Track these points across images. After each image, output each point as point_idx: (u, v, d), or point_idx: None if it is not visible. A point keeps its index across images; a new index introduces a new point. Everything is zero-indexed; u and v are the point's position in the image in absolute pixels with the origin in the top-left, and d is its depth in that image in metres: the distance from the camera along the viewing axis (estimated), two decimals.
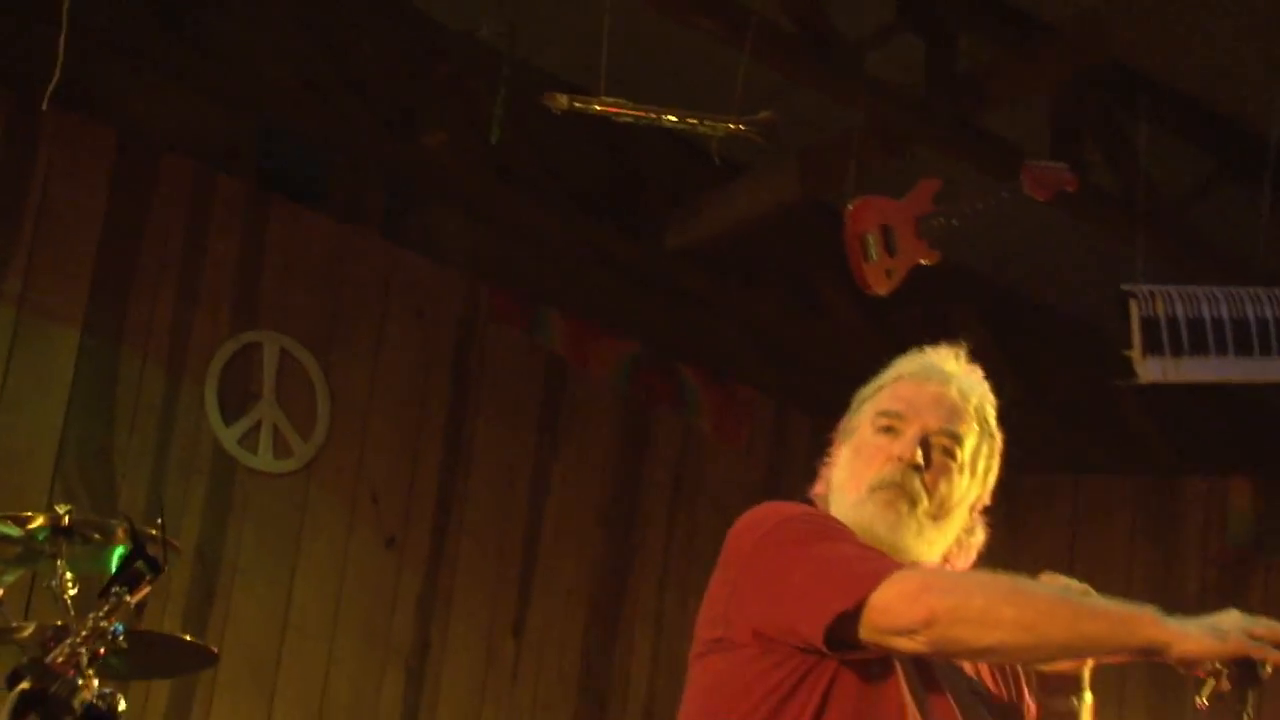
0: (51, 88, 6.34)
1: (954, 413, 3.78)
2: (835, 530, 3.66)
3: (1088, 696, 3.79)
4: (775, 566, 3.59)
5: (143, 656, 5.81)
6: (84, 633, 3.80)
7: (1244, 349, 7.04)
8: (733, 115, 6.64)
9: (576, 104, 6.59)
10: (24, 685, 3.64)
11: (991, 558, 3.91)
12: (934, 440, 3.71)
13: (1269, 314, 7.07)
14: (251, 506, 7.77)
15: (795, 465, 8.77)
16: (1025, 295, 9.13)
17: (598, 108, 6.61)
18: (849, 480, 3.74)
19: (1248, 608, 9.06)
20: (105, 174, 7.61)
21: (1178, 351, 6.95)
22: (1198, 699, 3.32)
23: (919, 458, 3.67)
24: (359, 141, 8.12)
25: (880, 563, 3.48)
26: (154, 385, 7.64)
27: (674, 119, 6.73)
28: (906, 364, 3.90)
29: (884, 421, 3.75)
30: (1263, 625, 3.31)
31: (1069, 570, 3.85)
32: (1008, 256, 8.53)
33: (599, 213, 8.35)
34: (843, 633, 3.38)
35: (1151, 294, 7.00)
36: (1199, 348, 7.00)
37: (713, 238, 8.25)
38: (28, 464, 7.34)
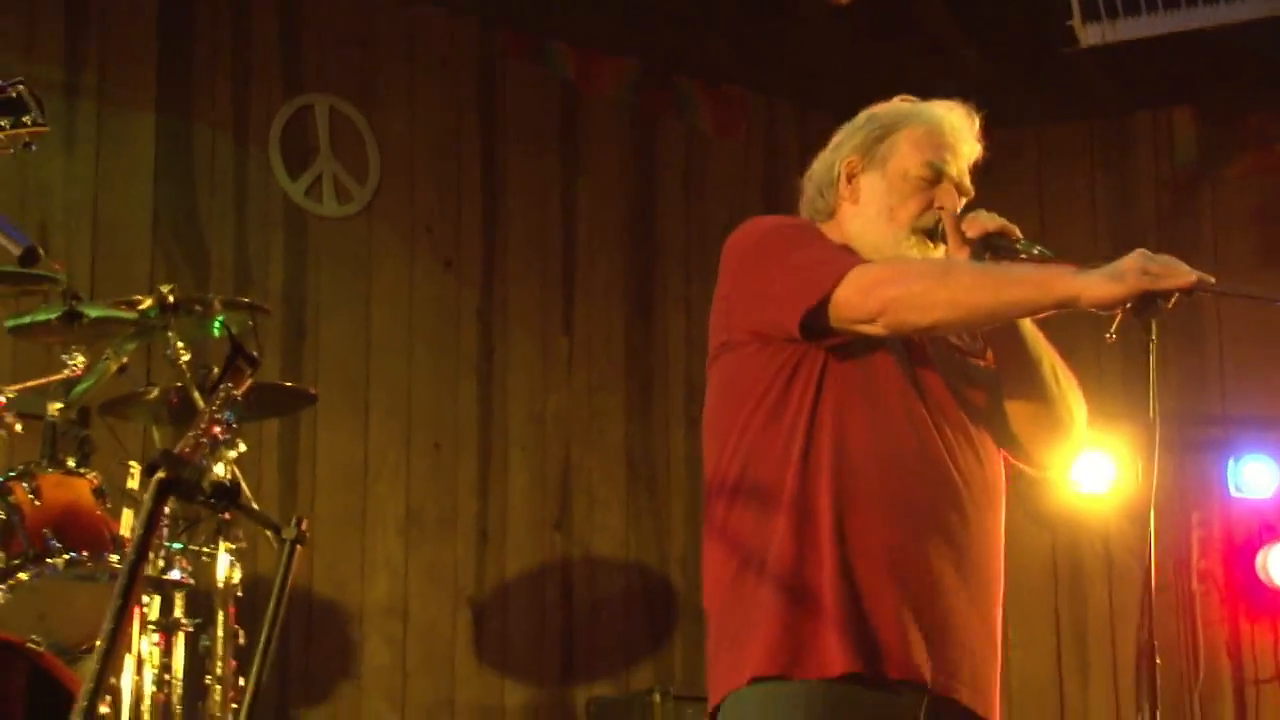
0: None
1: (968, 169, 3.97)
2: (807, 237, 3.90)
3: None
4: (760, 273, 3.84)
5: (254, 408, 5.98)
6: (202, 425, 4.06)
7: (1172, 3, 7.17)
8: None
9: None
10: (160, 474, 3.91)
11: (970, 209, 4.23)
12: (965, 194, 3.93)
13: None
14: (324, 249, 7.99)
15: (787, 153, 8.92)
16: None
17: None
18: (885, 213, 3.90)
19: (1199, 220, 9.47)
20: None
21: (1113, 15, 7.15)
22: (1108, 335, 3.56)
23: (959, 208, 3.90)
24: None
25: (841, 263, 3.71)
26: (225, 153, 7.79)
27: None
28: (934, 113, 3.99)
29: (928, 172, 3.88)
30: (1158, 262, 3.49)
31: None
32: None
33: None
34: (816, 324, 3.66)
35: None
36: (1132, 9, 7.16)
37: None
38: (129, 236, 7.51)
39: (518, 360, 8.44)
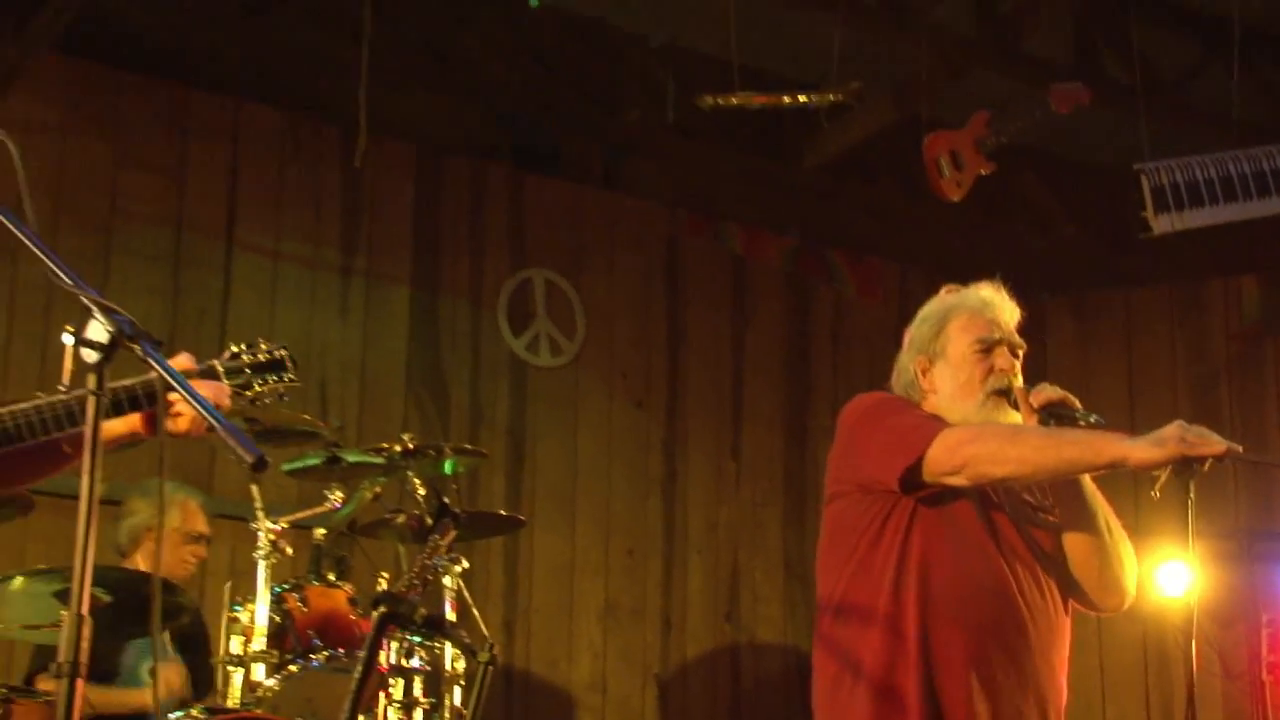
0: (361, 147, 6.71)
1: (1014, 329, 3.96)
2: (903, 407, 3.90)
3: None
4: (865, 437, 3.85)
5: (479, 529, 6.25)
6: (416, 570, 4.13)
7: (1230, 197, 7.08)
8: (832, 89, 6.85)
9: (719, 100, 6.86)
10: (382, 609, 3.82)
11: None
12: (1018, 353, 3.92)
13: (1247, 169, 7.06)
14: (540, 393, 8.07)
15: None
16: (1073, 159, 8.91)
17: (734, 100, 6.87)
18: (959, 390, 3.87)
19: (1263, 369, 9.27)
20: (409, 178, 7.90)
21: (1180, 207, 7.02)
22: (1153, 492, 3.55)
23: (1017, 369, 3.89)
24: (578, 123, 8.31)
25: (932, 427, 3.70)
26: (463, 318, 7.95)
27: (788, 100, 6.95)
28: (971, 298, 3.98)
29: (981, 348, 3.86)
30: (1194, 432, 3.45)
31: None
32: (1053, 132, 8.05)
33: (753, 148, 8.39)
34: (911, 478, 3.66)
35: (1157, 169, 7.04)
36: (1196, 202, 7.05)
37: (838, 153, 8.16)
38: (388, 385, 7.68)
39: (695, 480, 8.45)
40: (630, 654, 8.05)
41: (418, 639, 5.38)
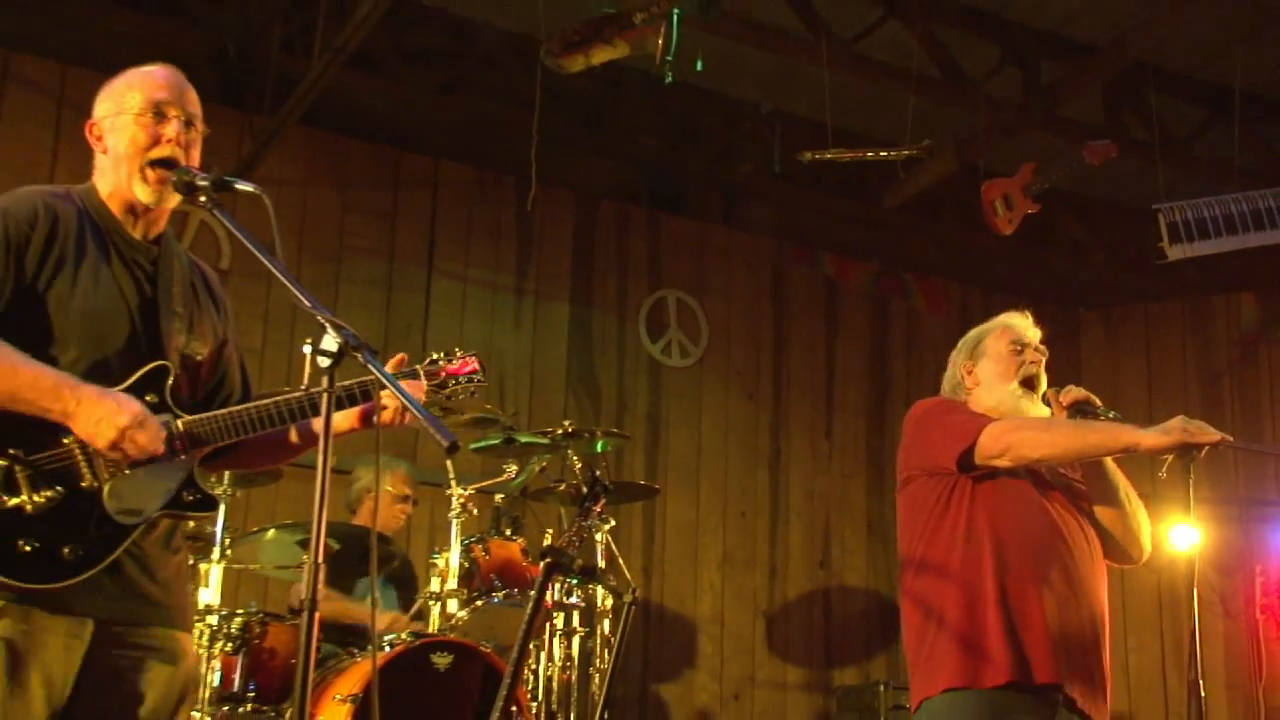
0: (532, 194, 6.62)
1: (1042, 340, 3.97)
2: (956, 407, 3.91)
3: None
4: (928, 432, 3.86)
5: (624, 496, 6.28)
6: (574, 529, 3.97)
7: (1232, 231, 7.04)
8: (907, 146, 6.82)
9: (816, 155, 6.84)
10: (547, 560, 3.84)
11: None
12: (1042, 353, 3.93)
13: (1245, 209, 7.02)
14: (672, 387, 8.13)
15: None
16: (1103, 200, 8.81)
17: (829, 155, 6.83)
18: (996, 379, 3.89)
19: (1259, 370, 9.09)
20: (569, 217, 8.00)
21: (1191, 239, 6.99)
22: (1160, 473, 3.56)
23: (1042, 367, 3.91)
24: (703, 173, 8.33)
25: (980, 422, 3.72)
26: (611, 328, 8.03)
27: (871, 155, 6.92)
28: (1004, 319, 4.01)
29: (1015, 347, 3.90)
30: (1194, 424, 3.48)
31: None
32: (1086, 178, 7.79)
33: (843, 192, 8.37)
34: (966, 461, 3.69)
35: (1171, 208, 7.02)
36: (1204, 235, 7.01)
37: (911, 195, 8.09)
38: (552, 383, 7.77)
39: (795, 457, 8.44)
40: (742, 595, 8.06)
41: (575, 582, 5.40)
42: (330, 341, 2.58)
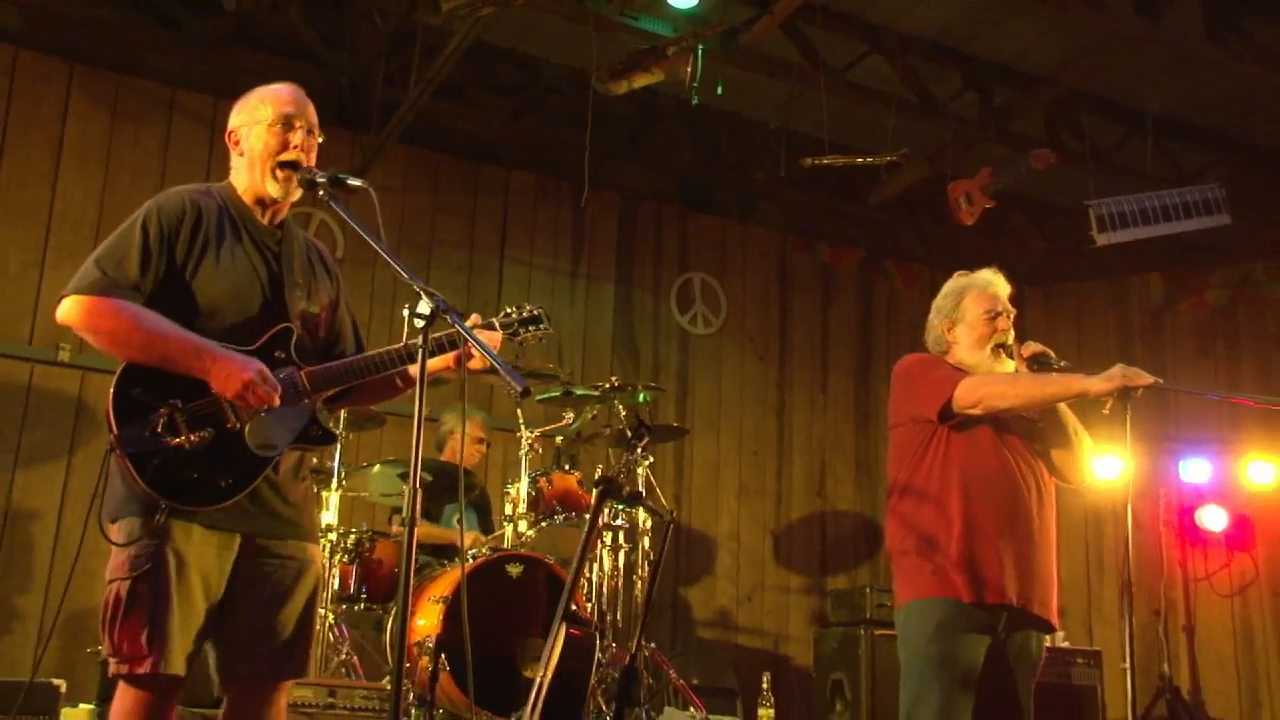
0: (585, 196, 6.67)
1: (1009, 299, 3.84)
2: (937, 364, 3.78)
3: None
4: (913, 385, 3.76)
5: (661, 436, 6.12)
6: (623, 463, 3.97)
7: (1148, 222, 6.92)
8: (889, 153, 6.72)
9: (815, 162, 6.73)
10: (601, 487, 3.79)
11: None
12: (1012, 317, 3.81)
13: (1158, 204, 6.92)
14: (698, 351, 7.98)
15: (927, 300, 8.61)
16: (1043, 200, 8.64)
17: (826, 161, 6.72)
18: (976, 344, 3.75)
19: (1162, 334, 9.00)
20: (615, 215, 7.85)
21: (1115, 229, 6.88)
22: (1104, 411, 3.49)
23: (1012, 331, 3.79)
24: (724, 179, 8.19)
25: (957, 377, 3.63)
26: (648, 304, 7.89)
27: (861, 160, 6.77)
28: (980, 279, 3.87)
29: (990, 315, 3.77)
30: (1133, 370, 3.43)
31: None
32: (1031, 182, 7.65)
33: (836, 194, 8.26)
34: (945, 411, 3.61)
35: (1099, 204, 6.92)
36: (1125, 225, 6.90)
37: (891, 196, 8.00)
38: (600, 349, 7.65)
39: (797, 407, 8.31)
40: (755, 517, 7.97)
41: (623, 507, 5.35)
42: (424, 305, 2.62)
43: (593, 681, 3.76)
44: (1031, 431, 3.77)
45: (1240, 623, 7.80)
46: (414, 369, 2.93)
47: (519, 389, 2.47)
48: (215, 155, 6.51)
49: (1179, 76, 7.08)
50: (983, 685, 3.53)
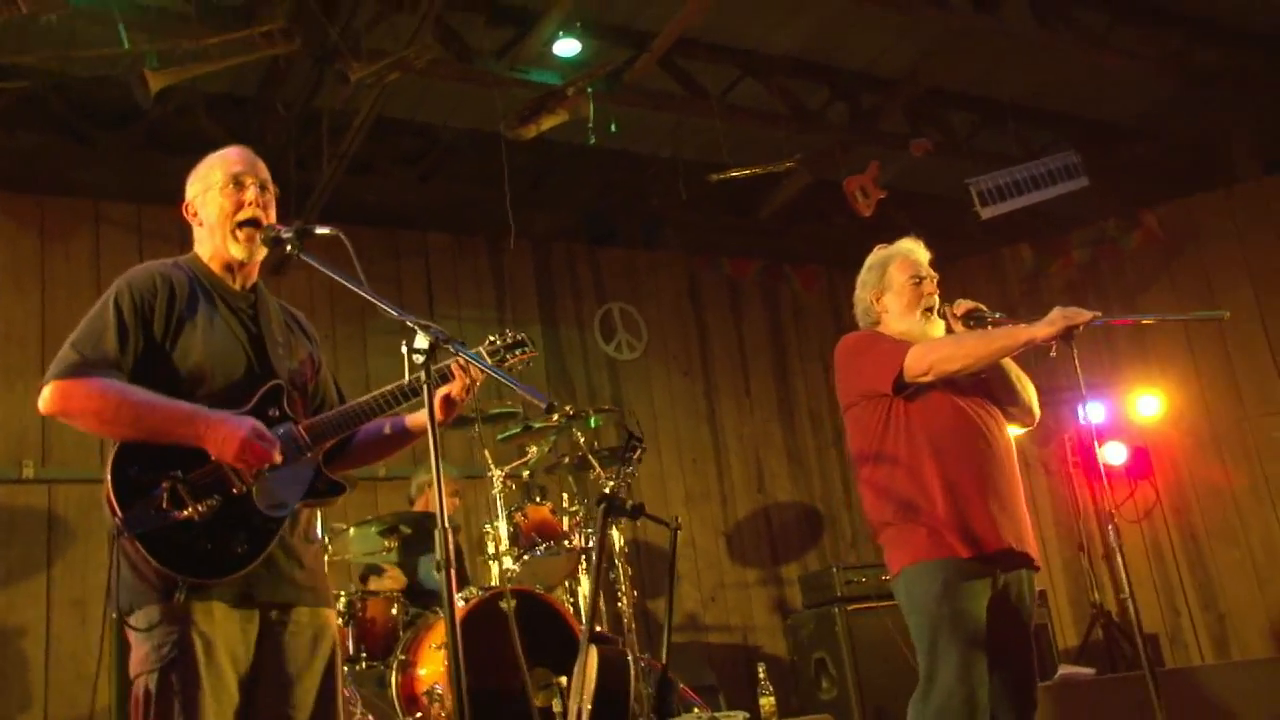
0: (511, 242, 6.45)
1: (930, 264, 3.76)
2: (879, 339, 3.65)
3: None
4: (860, 363, 3.62)
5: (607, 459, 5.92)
6: (616, 478, 3.86)
7: (1022, 191, 6.95)
8: (779, 164, 6.77)
9: (719, 176, 6.68)
10: (605, 504, 3.62)
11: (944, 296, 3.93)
12: (934, 278, 3.73)
13: (1026, 175, 6.96)
14: (627, 377, 7.84)
15: (841, 295, 8.62)
16: (913, 193, 8.42)
17: (730, 174, 6.67)
18: (903, 310, 3.65)
19: (1040, 294, 9.08)
20: (531, 259, 7.63)
21: (996, 201, 6.88)
22: (1050, 354, 3.40)
23: (937, 293, 3.71)
24: (624, 211, 8.07)
25: (904, 347, 3.51)
26: (574, 338, 7.71)
27: (760, 169, 6.74)
28: (902, 248, 3.76)
29: (915, 280, 3.68)
30: (1070, 310, 3.35)
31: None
32: (905, 175, 7.70)
33: (730, 211, 8.22)
34: (899, 382, 3.47)
35: (979, 180, 6.93)
36: (1004, 197, 6.91)
37: (780, 205, 7.94)
38: (535, 383, 7.36)
39: (726, 413, 8.20)
40: (705, 521, 7.86)
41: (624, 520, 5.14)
42: (422, 339, 2.43)
43: (633, 693, 3.49)
44: (979, 384, 3.67)
45: (1150, 544, 7.83)
46: (409, 417, 2.84)
47: (542, 404, 2.27)
48: (145, 259, 6.15)
49: (1021, 65, 7.17)
50: (990, 634, 3.42)
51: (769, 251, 8.67)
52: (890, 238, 9.25)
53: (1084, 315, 3.33)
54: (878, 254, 3.79)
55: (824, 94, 7.30)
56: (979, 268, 8.89)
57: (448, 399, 2.75)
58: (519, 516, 5.11)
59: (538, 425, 5.47)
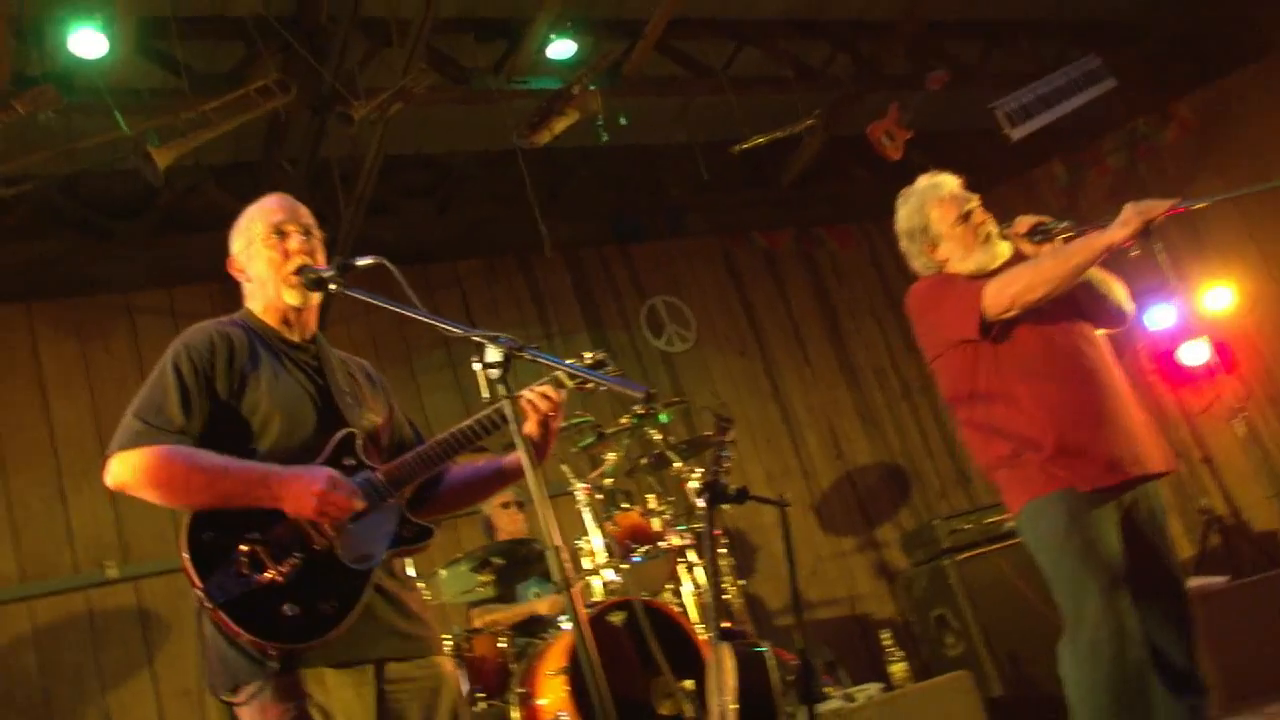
0: (547, 250, 6.25)
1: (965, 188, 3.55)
2: (952, 282, 3.42)
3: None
4: (937, 311, 3.42)
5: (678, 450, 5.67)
6: (715, 464, 3.38)
7: (1050, 105, 6.66)
8: (798, 124, 6.53)
9: (741, 147, 6.42)
10: (709, 493, 3.32)
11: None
12: (977, 201, 3.52)
13: (1049, 88, 6.66)
14: (684, 368, 7.57)
15: (880, 248, 8.42)
16: (934, 131, 8.16)
17: (755, 142, 6.42)
18: (963, 248, 3.43)
19: (1082, 205, 8.76)
20: (566, 269, 7.43)
21: (1025, 119, 6.60)
22: (1131, 255, 3.15)
23: (989, 216, 3.49)
24: (647, 205, 7.88)
25: (979, 287, 3.28)
26: (623, 340, 7.44)
27: (782, 134, 6.46)
28: (931, 188, 3.55)
29: (962, 218, 3.45)
30: (1143, 205, 3.10)
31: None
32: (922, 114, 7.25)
33: (752, 184, 8.06)
34: (983, 324, 3.26)
35: (1004, 102, 6.65)
36: (1035, 112, 6.62)
37: (800, 171, 7.81)
38: (595, 395, 7.32)
39: (790, 386, 7.93)
40: (792, 498, 7.17)
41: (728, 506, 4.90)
42: (494, 353, 2.22)
43: (778, 684, 3.27)
44: (1064, 301, 3.42)
45: (1250, 440, 7.47)
46: (508, 459, 2.66)
47: (640, 395, 2.06)
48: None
49: None
50: (1129, 559, 3.21)
51: (798, 218, 8.43)
52: (910, 178, 8.98)
53: (1160, 206, 3.09)
54: (909, 204, 3.56)
55: (824, 49, 7.09)
56: (1013, 194, 8.49)
57: (543, 424, 2.55)
58: (610, 526, 4.86)
59: (610, 431, 5.27)
